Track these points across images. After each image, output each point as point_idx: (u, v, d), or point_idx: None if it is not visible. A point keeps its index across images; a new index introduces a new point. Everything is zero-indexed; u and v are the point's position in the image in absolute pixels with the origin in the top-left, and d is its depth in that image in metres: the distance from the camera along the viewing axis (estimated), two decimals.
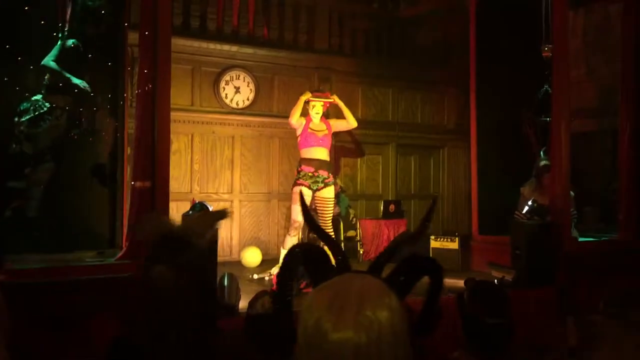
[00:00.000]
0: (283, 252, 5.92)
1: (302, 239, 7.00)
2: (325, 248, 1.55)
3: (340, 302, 1.07)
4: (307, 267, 1.49)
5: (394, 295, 1.11)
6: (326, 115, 6.16)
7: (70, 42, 4.75)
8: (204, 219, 1.97)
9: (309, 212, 1.81)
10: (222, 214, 2.29)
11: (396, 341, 1.07)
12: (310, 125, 6.00)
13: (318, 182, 5.94)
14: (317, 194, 5.94)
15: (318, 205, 6.03)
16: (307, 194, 5.88)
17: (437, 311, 1.43)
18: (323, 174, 5.93)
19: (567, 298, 5.01)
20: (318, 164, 5.93)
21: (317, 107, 6.04)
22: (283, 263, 1.51)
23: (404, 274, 1.38)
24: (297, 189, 5.87)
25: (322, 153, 5.99)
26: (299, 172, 5.95)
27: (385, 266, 1.52)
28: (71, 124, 4.86)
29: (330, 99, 6.16)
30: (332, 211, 6.12)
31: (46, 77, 4.76)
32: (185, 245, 1.68)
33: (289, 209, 7.68)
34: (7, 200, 4.65)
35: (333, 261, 1.50)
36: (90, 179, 4.96)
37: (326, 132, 6.05)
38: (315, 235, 1.73)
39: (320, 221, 6.06)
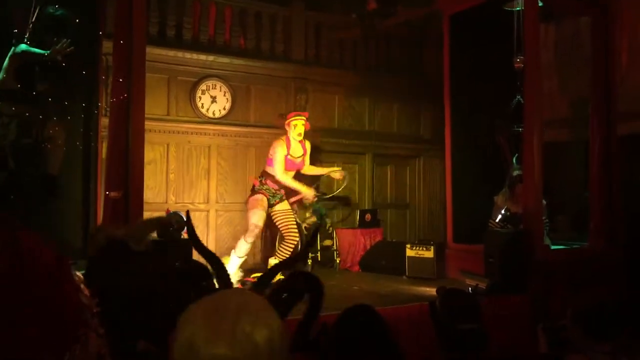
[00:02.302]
0: (234, 258, 5.97)
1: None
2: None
3: (216, 316, 1.02)
4: (189, 284, 1.49)
5: (275, 313, 1.08)
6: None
7: (22, 46, 4.55)
8: (144, 224, 2.00)
9: (195, 236, 1.78)
10: (163, 221, 2.34)
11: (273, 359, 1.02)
12: (290, 152, 6.11)
13: (276, 197, 6.18)
14: (274, 207, 6.12)
15: (277, 217, 6.14)
16: (265, 205, 6.10)
17: (314, 329, 1.43)
18: (282, 192, 6.22)
19: (539, 305, 5.08)
20: (283, 185, 6.18)
21: (299, 127, 6.12)
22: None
23: (286, 291, 1.39)
24: (259, 196, 6.09)
25: (291, 176, 6.24)
26: (262, 184, 6.14)
27: (268, 286, 1.54)
28: (22, 133, 4.65)
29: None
30: (293, 218, 6.26)
31: None
32: (123, 249, 1.71)
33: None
34: None
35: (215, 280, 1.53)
36: (62, 189, 4.87)
37: (302, 157, 6.22)
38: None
39: (284, 231, 6.12)
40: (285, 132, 6.30)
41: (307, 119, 6.34)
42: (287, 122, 6.28)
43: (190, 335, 1.01)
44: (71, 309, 1.13)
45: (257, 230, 6.02)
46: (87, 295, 1.23)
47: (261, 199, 6.11)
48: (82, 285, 1.23)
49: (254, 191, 6.22)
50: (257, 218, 6.00)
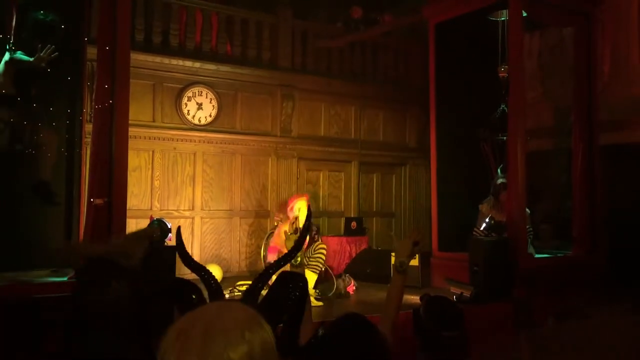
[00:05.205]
0: None
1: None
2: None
3: (185, 334, 1.01)
4: (178, 301, 1.49)
5: (259, 325, 1.05)
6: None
7: (18, 54, 4.52)
8: (133, 240, 1.94)
9: (185, 252, 1.81)
10: (149, 232, 2.27)
11: None
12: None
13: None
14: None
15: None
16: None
17: (298, 329, 1.40)
18: None
19: (523, 313, 5.10)
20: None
21: (303, 210, 5.77)
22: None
23: (277, 293, 1.37)
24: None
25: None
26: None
27: (261, 291, 1.53)
28: (13, 139, 4.60)
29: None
30: None
31: None
32: (113, 266, 1.69)
33: (250, 225, 7.66)
34: None
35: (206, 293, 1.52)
36: (45, 196, 4.82)
37: None
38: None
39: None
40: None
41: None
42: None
43: (162, 356, 1.01)
44: None
45: None
46: None
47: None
48: None
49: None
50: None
